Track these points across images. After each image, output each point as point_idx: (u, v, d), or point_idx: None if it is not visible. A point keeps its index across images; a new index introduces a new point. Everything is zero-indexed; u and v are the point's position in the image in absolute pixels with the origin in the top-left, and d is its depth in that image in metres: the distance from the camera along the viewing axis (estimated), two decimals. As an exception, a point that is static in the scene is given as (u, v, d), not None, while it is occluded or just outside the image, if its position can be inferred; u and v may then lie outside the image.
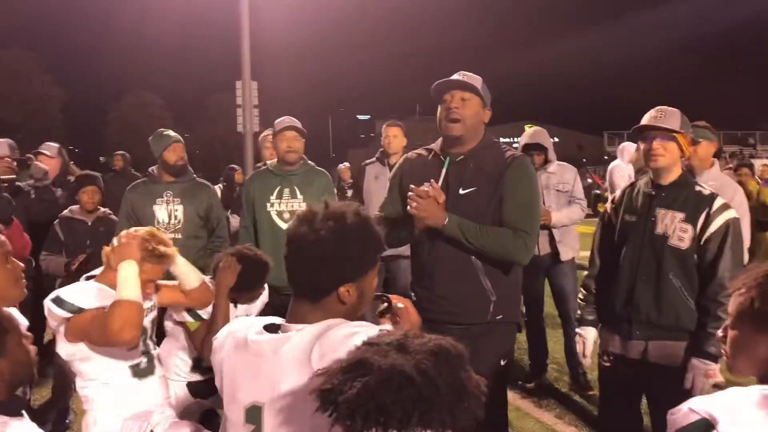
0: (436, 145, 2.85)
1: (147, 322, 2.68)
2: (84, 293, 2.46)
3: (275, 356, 1.46)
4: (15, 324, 1.69)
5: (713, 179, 3.89)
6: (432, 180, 2.67)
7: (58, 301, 2.41)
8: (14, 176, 4.87)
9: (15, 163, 4.57)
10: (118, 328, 2.26)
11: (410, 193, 2.61)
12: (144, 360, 2.65)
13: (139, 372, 2.61)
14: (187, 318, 3.04)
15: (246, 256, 3.08)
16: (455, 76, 2.74)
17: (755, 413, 1.35)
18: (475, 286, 2.69)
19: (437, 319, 2.65)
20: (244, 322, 1.65)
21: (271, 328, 1.57)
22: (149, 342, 2.73)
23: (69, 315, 2.40)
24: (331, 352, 1.33)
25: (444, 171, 2.72)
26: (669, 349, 2.72)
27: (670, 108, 2.82)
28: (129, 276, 2.40)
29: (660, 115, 2.78)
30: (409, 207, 2.61)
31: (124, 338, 2.30)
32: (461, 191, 2.68)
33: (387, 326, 1.38)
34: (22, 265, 2.19)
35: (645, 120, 2.80)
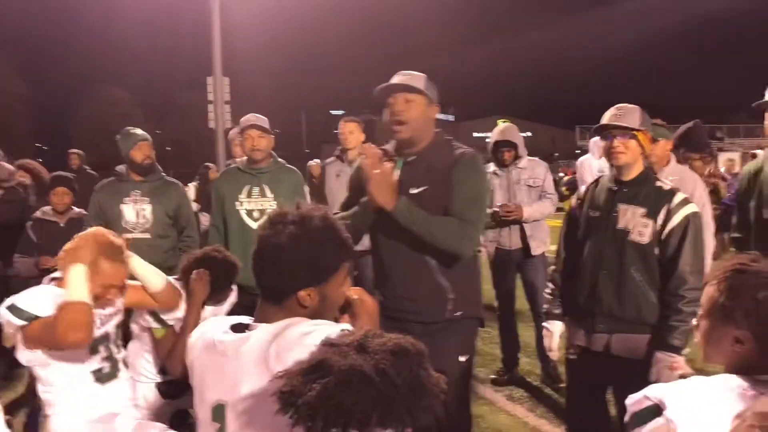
0: (390, 146, 2.86)
1: (111, 327, 2.63)
2: (40, 300, 2.38)
3: (237, 356, 1.48)
4: None
5: (673, 173, 3.97)
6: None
7: (13, 309, 2.34)
8: None
9: None
10: (63, 331, 2.19)
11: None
12: (107, 365, 2.60)
13: (101, 377, 2.57)
14: (153, 324, 2.99)
15: (214, 259, 3.06)
16: (396, 78, 2.74)
17: (706, 399, 1.40)
18: (432, 285, 2.73)
19: (399, 317, 2.71)
20: (215, 323, 1.67)
21: (238, 328, 1.58)
22: (113, 347, 2.66)
23: (24, 323, 2.32)
24: (286, 351, 1.34)
25: (397, 172, 2.73)
26: (631, 342, 2.76)
27: (631, 105, 2.85)
28: (75, 277, 2.32)
29: (620, 113, 2.82)
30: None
31: (71, 340, 2.22)
32: (412, 191, 2.68)
33: (346, 325, 1.38)
34: None
35: (605, 119, 2.84)
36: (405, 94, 2.69)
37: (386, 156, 2.83)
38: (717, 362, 1.61)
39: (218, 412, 1.51)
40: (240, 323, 1.61)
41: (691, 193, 3.93)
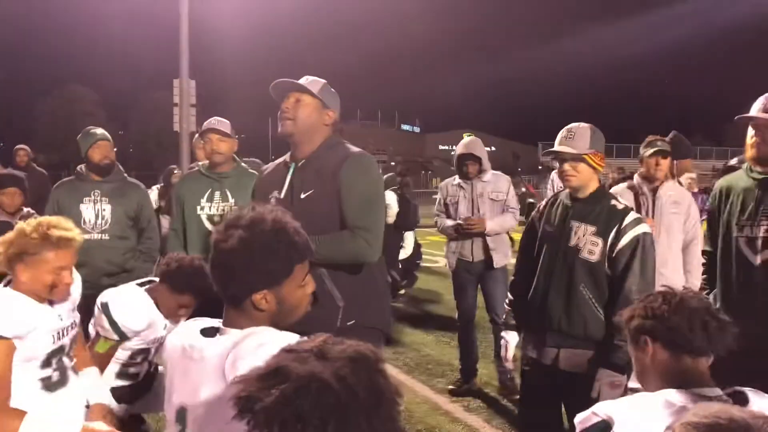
0: (288, 154, 2.84)
1: (68, 340, 2.53)
2: (3, 312, 2.28)
3: (201, 360, 1.49)
4: None
5: (671, 190, 4.11)
6: (275, 192, 2.71)
7: None
8: None
9: None
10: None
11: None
12: (56, 374, 2.49)
13: (50, 385, 2.46)
14: (111, 335, 2.83)
15: (202, 270, 2.87)
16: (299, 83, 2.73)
17: (648, 415, 1.46)
18: (320, 292, 2.43)
19: (291, 330, 2.55)
20: (189, 325, 1.67)
21: (209, 332, 1.60)
22: (65, 358, 2.54)
23: None
24: (241, 360, 1.36)
25: (289, 177, 2.72)
26: (578, 358, 2.79)
27: (582, 125, 2.89)
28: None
29: (569, 136, 2.87)
30: None
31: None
32: (302, 195, 2.64)
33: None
34: None
35: (556, 142, 2.91)
36: (296, 93, 2.71)
37: (281, 162, 2.82)
38: (653, 389, 1.67)
39: (181, 415, 1.53)
40: (211, 327, 1.61)
41: (687, 209, 4.07)
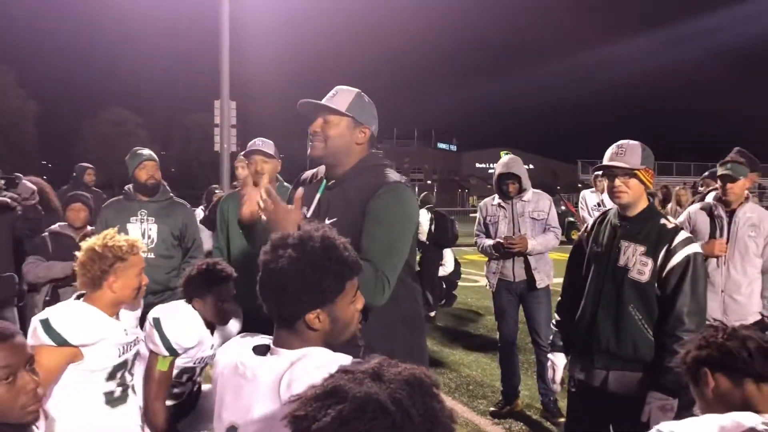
0: (322, 168, 2.63)
1: (131, 355, 2.61)
2: (74, 323, 2.35)
3: (254, 379, 1.49)
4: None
5: (750, 211, 4.00)
6: (303, 209, 2.47)
7: (46, 326, 2.31)
8: None
9: (2, 182, 4.52)
10: None
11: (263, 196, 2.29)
12: (119, 389, 2.57)
13: (112, 400, 2.54)
14: (162, 350, 2.78)
15: (213, 271, 2.93)
16: (326, 97, 2.48)
17: None
18: None
19: None
20: (241, 342, 1.67)
21: (260, 350, 1.59)
22: (127, 374, 2.62)
23: (52, 344, 2.30)
24: (297, 382, 1.36)
25: (318, 196, 2.52)
26: (628, 380, 2.73)
27: (632, 142, 2.84)
28: None
29: (620, 152, 2.81)
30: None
31: None
32: (327, 220, 2.40)
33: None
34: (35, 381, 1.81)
35: (606, 158, 2.84)
36: (325, 113, 2.45)
37: (316, 176, 2.64)
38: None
39: None
40: (263, 345, 1.61)
41: (767, 232, 3.94)
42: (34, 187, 5.24)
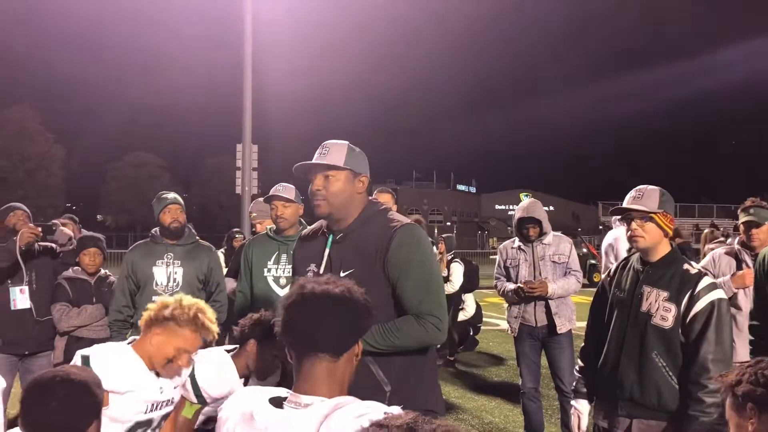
0: (324, 223, 2.65)
1: (159, 415, 2.56)
2: (113, 366, 2.36)
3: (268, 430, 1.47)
4: None
5: None
6: (312, 265, 2.55)
7: (86, 362, 2.33)
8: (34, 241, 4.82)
9: (39, 229, 4.64)
10: None
11: None
12: None
13: None
14: (191, 397, 2.75)
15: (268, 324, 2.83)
16: (317, 153, 2.53)
17: None
18: (367, 377, 2.33)
19: None
20: (252, 393, 1.65)
21: (277, 402, 1.57)
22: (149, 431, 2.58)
23: None
24: None
25: (327, 251, 2.55)
26: (652, 429, 2.69)
27: (651, 187, 2.85)
28: None
29: (638, 196, 2.82)
30: None
31: None
32: (342, 273, 2.38)
33: (396, 408, 1.37)
34: None
35: (625, 201, 2.86)
36: (324, 169, 2.49)
37: (320, 231, 2.67)
38: None
39: None
40: (278, 397, 1.59)
41: None
42: (71, 233, 5.35)
